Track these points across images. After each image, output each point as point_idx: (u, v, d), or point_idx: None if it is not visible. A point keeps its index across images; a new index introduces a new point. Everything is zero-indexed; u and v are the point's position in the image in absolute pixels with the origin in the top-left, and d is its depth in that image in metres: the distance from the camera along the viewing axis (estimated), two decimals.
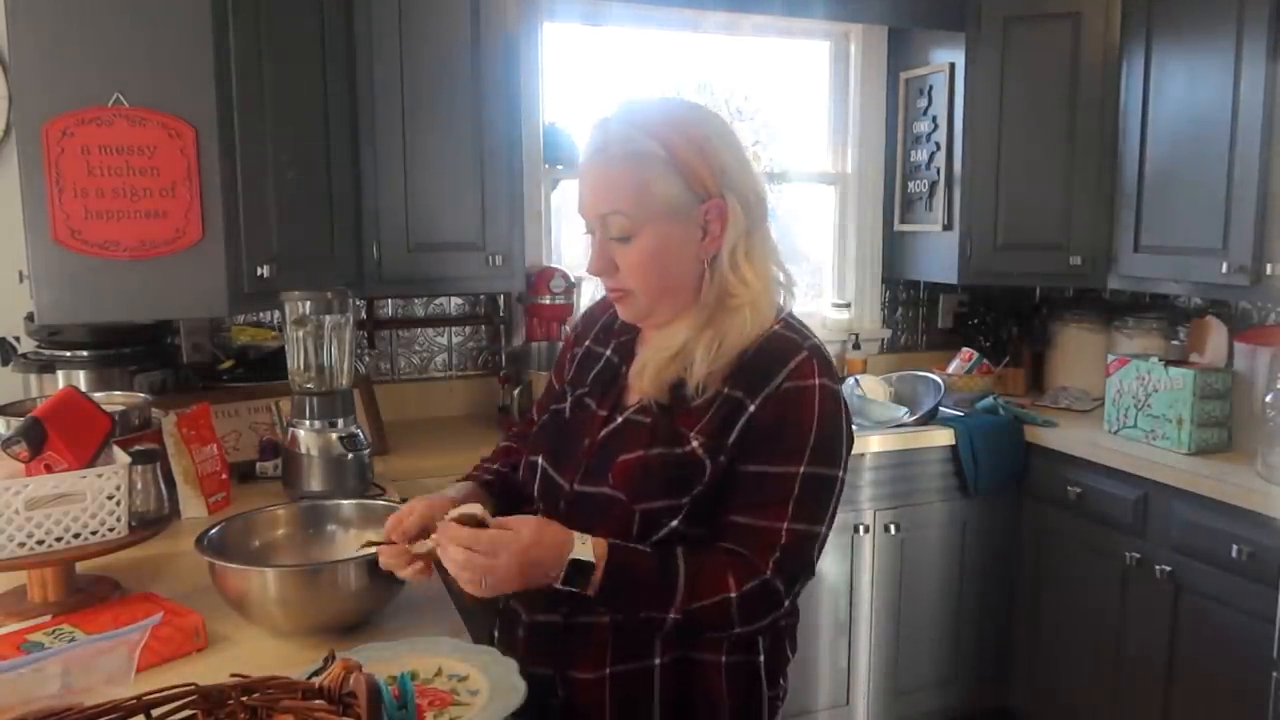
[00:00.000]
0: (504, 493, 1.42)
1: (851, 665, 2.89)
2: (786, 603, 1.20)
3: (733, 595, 1.15)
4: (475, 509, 1.16)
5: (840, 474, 1.21)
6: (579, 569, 1.13)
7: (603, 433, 1.27)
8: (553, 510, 1.30)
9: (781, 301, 1.28)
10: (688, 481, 1.19)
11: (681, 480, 1.19)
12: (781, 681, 1.33)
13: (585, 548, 1.14)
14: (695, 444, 1.19)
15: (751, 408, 1.18)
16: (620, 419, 1.27)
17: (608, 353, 1.36)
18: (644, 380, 1.24)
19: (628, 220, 1.20)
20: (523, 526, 1.14)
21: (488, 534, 1.13)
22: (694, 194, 1.20)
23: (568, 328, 2.91)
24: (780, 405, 1.18)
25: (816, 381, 1.19)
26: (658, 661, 1.22)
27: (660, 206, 1.19)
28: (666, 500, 1.19)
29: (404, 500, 1.89)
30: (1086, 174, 2.97)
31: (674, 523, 1.19)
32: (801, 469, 1.17)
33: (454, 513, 1.16)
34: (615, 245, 1.23)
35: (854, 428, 1.29)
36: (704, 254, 1.22)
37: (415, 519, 1.24)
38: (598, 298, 1.48)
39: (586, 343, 1.41)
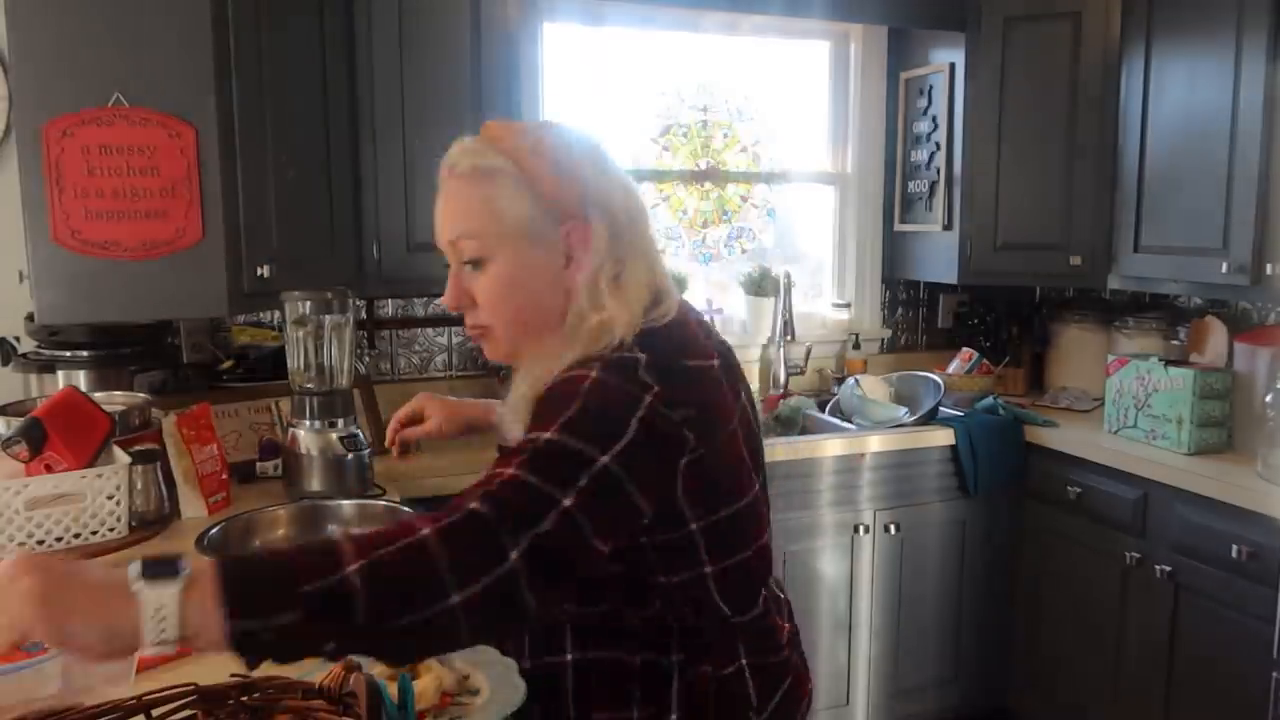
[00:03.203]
0: None
1: (851, 665, 2.89)
2: (513, 555, 0.91)
3: (426, 531, 0.90)
4: None
5: (602, 459, 0.99)
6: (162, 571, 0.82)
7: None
8: None
9: (667, 309, 1.14)
10: None
11: None
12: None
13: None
14: None
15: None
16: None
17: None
18: (516, 428, 1.13)
19: (477, 242, 1.11)
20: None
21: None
22: (549, 214, 1.10)
23: None
24: (546, 392, 1.07)
25: (593, 373, 1.05)
26: (569, 658, 1.17)
27: (511, 227, 1.10)
28: None
29: (404, 500, 1.89)
30: (1086, 174, 2.97)
31: None
32: (546, 434, 1.00)
33: None
34: (469, 275, 1.13)
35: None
36: (569, 282, 1.11)
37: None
38: None
39: None
